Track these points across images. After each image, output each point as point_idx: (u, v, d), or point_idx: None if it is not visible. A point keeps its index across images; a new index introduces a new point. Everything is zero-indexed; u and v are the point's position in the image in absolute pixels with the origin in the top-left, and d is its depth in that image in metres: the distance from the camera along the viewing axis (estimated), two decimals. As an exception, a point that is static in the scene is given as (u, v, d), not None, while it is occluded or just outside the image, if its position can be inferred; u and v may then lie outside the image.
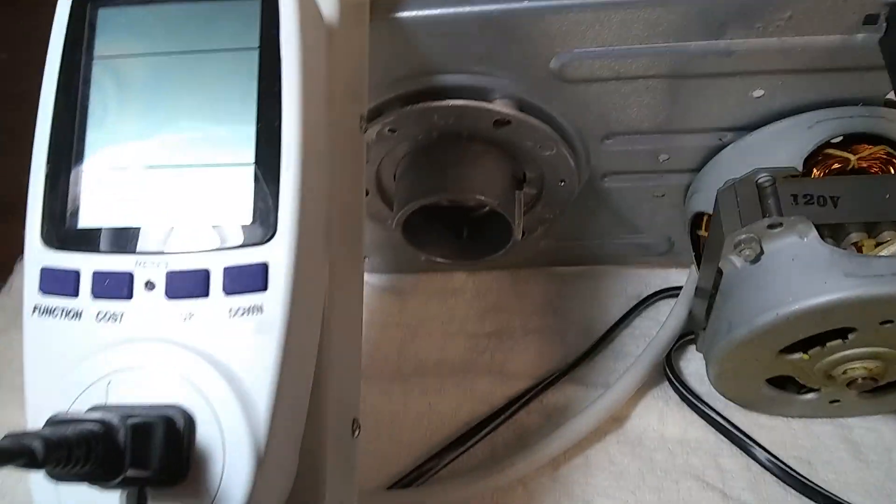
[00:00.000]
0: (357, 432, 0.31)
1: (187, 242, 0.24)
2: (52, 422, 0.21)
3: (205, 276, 0.24)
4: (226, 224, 0.25)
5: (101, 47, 0.26)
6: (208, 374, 0.24)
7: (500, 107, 0.39)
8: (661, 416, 0.43)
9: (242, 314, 0.24)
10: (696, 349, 0.45)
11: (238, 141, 0.25)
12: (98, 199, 0.25)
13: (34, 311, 0.25)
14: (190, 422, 0.23)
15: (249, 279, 0.24)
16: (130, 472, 0.21)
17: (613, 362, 0.46)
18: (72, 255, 0.25)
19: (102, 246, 0.25)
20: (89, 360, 0.24)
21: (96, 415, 0.21)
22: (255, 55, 0.26)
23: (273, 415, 0.24)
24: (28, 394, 0.24)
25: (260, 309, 0.24)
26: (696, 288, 0.45)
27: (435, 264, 0.46)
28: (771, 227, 0.36)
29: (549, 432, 0.42)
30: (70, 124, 0.26)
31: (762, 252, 0.37)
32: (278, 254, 0.24)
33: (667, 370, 0.45)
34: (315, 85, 0.26)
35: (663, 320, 0.48)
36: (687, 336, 0.47)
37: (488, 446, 0.43)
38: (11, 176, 0.56)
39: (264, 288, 0.24)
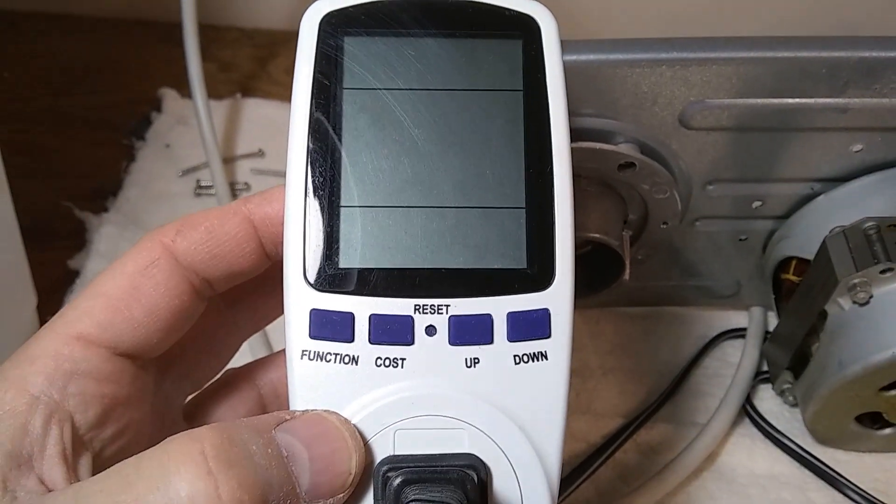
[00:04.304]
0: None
1: (467, 287, 0.24)
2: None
3: (489, 321, 0.24)
4: (503, 268, 0.24)
5: (349, 78, 0.25)
6: (501, 422, 0.23)
7: (627, 150, 0.39)
8: (750, 452, 0.45)
9: (527, 361, 0.24)
10: (773, 389, 0.48)
11: (506, 184, 0.25)
12: (367, 239, 0.24)
13: (303, 356, 0.23)
14: (487, 472, 0.23)
15: (534, 326, 0.24)
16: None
17: (693, 401, 0.48)
18: (345, 298, 0.23)
19: (378, 289, 0.24)
20: (373, 408, 0.23)
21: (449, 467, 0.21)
22: (520, 97, 0.25)
23: (560, 461, 0.23)
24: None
25: (544, 355, 0.24)
26: (774, 332, 0.47)
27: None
28: (883, 272, 0.39)
29: (652, 471, 0.43)
30: (326, 160, 0.25)
31: (872, 295, 0.39)
32: (559, 300, 0.24)
33: (748, 409, 0.46)
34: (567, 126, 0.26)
35: (729, 360, 0.50)
36: (758, 376, 0.48)
37: (592, 485, 0.43)
38: (42, 202, 0.53)
39: (548, 335, 0.24)
